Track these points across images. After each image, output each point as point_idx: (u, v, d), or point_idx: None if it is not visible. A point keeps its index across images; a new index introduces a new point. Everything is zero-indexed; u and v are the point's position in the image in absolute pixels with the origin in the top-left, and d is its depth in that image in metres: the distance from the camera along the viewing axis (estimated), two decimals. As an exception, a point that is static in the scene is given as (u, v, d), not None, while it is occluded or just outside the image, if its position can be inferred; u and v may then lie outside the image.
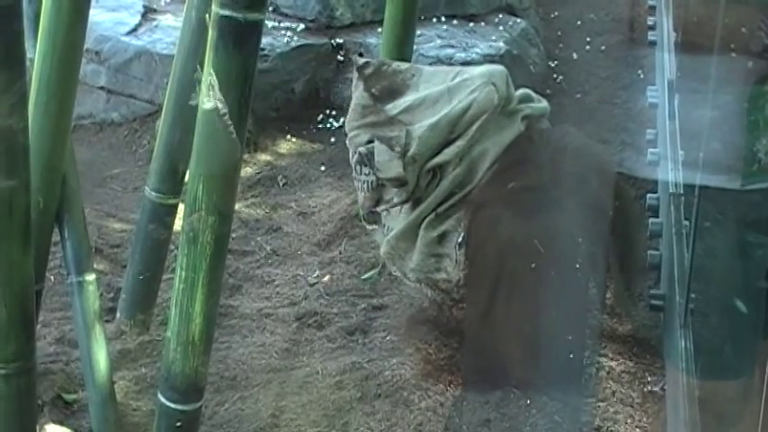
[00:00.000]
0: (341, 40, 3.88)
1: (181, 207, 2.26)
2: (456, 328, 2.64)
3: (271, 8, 3.89)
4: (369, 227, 2.86)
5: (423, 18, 3.83)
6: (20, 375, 1.87)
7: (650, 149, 2.99)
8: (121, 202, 3.36)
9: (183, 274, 1.89)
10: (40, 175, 2.10)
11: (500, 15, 4.11)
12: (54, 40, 2.08)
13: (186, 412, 1.98)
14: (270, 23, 3.83)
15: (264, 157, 3.61)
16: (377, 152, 2.63)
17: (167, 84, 2.50)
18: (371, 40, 3.84)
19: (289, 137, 3.72)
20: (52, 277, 2.75)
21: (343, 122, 2.98)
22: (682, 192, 2.44)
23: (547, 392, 2.44)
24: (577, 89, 3.98)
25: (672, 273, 2.35)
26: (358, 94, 2.72)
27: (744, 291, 1.79)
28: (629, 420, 2.41)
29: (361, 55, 2.88)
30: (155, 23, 3.89)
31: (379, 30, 3.53)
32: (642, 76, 3.93)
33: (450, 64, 3.68)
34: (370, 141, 2.67)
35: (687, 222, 2.33)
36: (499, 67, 2.75)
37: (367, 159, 2.65)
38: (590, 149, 2.76)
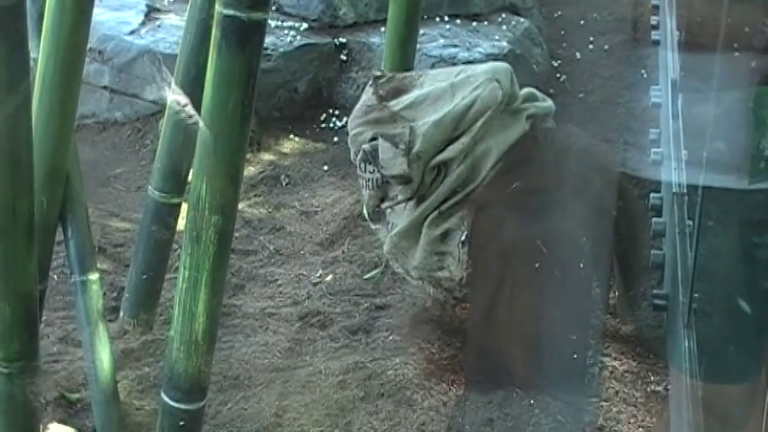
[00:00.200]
0: (344, 40, 3.88)
1: (184, 206, 2.26)
2: (459, 328, 2.64)
3: (274, 7, 3.89)
4: (372, 226, 2.86)
5: (426, 17, 3.82)
6: (23, 374, 1.87)
7: (653, 149, 2.99)
8: (125, 201, 3.36)
9: (187, 273, 1.89)
10: (44, 175, 2.10)
11: (503, 15, 4.11)
12: (57, 39, 2.08)
13: (189, 411, 1.99)
14: (273, 23, 3.83)
15: (267, 156, 3.61)
16: (381, 149, 2.63)
17: (170, 83, 2.50)
18: (375, 39, 3.84)
19: (292, 136, 3.72)
20: (55, 276, 2.75)
21: (347, 122, 2.98)
22: (685, 191, 2.44)
23: (550, 392, 2.44)
24: (580, 89, 3.98)
25: (675, 272, 2.34)
26: (365, 96, 2.74)
27: (749, 292, 1.78)
28: (632, 420, 2.41)
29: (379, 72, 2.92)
30: (158, 23, 3.89)
31: (383, 29, 3.53)
32: (645, 75, 3.93)
33: (454, 63, 3.68)
34: (374, 139, 2.67)
35: (690, 222, 2.33)
36: (503, 65, 2.75)
37: (371, 157, 2.65)
38: (594, 149, 2.76)
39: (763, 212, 1.81)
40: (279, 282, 2.95)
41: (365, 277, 2.94)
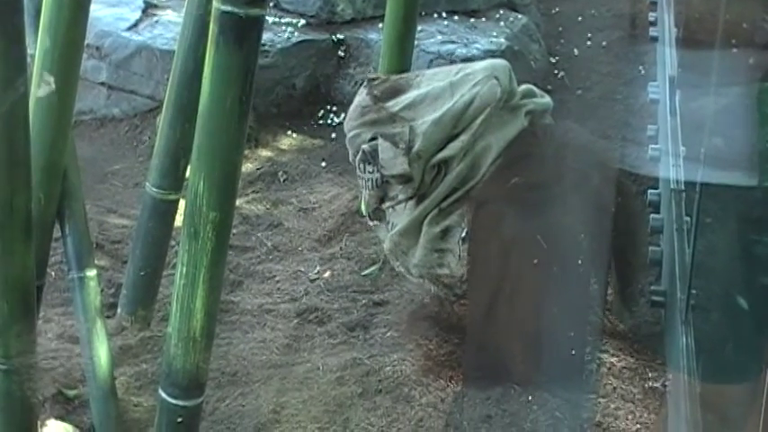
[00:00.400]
0: (342, 36, 3.87)
1: (182, 203, 2.25)
2: (457, 324, 2.64)
3: (271, 4, 3.89)
4: (370, 222, 2.86)
5: (424, 14, 3.82)
6: (21, 371, 1.87)
7: (651, 145, 2.99)
8: (122, 197, 3.36)
9: (184, 269, 1.89)
10: (42, 171, 2.10)
11: (501, 11, 4.11)
12: (55, 35, 2.07)
13: (187, 408, 1.98)
14: (270, 19, 3.83)
15: (265, 152, 3.61)
16: (381, 149, 2.62)
17: (168, 79, 2.50)
18: (372, 35, 3.84)
19: (289, 133, 3.72)
20: (53, 273, 2.75)
21: (344, 118, 2.98)
22: (683, 188, 2.44)
23: (548, 389, 2.44)
24: (578, 85, 3.98)
25: (673, 269, 2.35)
26: (360, 98, 2.73)
27: (747, 289, 1.78)
28: (629, 416, 2.41)
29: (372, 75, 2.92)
30: (155, 19, 3.88)
31: (380, 25, 3.53)
32: (643, 72, 3.93)
33: (452, 60, 3.68)
34: (373, 139, 2.67)
35: (688, 218, 2.33)
36: (502, 61, 2.75)
37: (371, 157, 2.64)
38: (592, 146, 2.76)
39: (763, 209, 1.81)
40: (277, 278, 2.95)
41: (363, 274, 2.94)
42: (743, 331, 1.77)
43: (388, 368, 2.52)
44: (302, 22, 3.90)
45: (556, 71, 4.06)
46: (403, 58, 3.03)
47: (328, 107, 3.81)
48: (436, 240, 2.62)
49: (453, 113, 2.60)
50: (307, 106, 3.81)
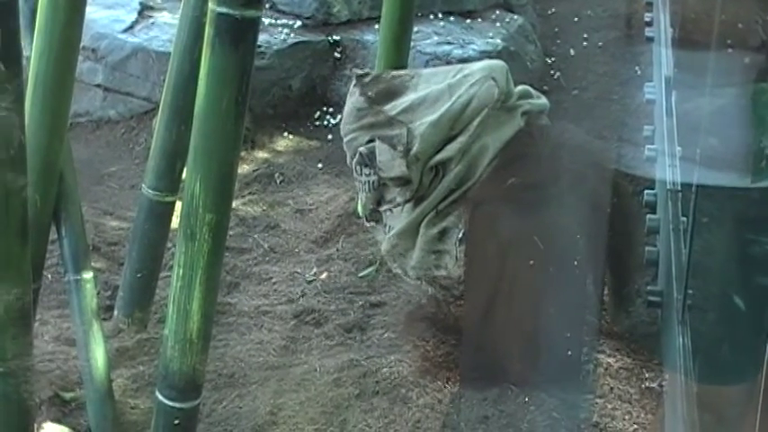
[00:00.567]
0: (338, 37, 3.87)
1: (178, 205, 2.25)
2: (454, 325, 2.64)
3: (267, 5, 3.89)
4: (367, 223, 2.86)
5: (420, 15, 3.82)
6: (17, 374, 1.87)
7: (648, 146, 2.99)
8: (119, 199, 3.36)
9: (181, 271, 1.89)
10: (38, 173, 2.10)
11: (497, 12, 4.11)
12: (50, 37, 2.07)
13: (184, 410, 1.98)
14: (267, 20, 3.83)
15: (262, 154, 3.61)
16: (378, 152, 2.62)
17: (164, 81, 2.49)
18: (369, 37, 3.84)
19: (286, 134, 3.72)
20: (50, 275, 2.75)
21: (341, 120, 2.98)
22: (679, 188, 2.44)
23: (545, 389, 2.44)
24: (575, 86, 3.98)
25: (669, 269, 2.35)
26: (353, 99, 2.72)
27: (744, 289, 1.79)
28: (626, 417, 2.41)
29: (359, 69, 2.89)
30: (151, 21, 3.88)
31: (377, 27, 3.53)
32: (639, 72, 3.93)
33: (448, 61, 3.68)
34: (370, 141, 2.67)
35: (685, 219, 2.33)
36: (499, 62, 2.75)
37: (368, 159, 2.64)
38: (588, 146, 2.76)
39: (759, 210, 1.81)
40: (273, 280, 2.95)
41: (360, 275, 2.94)
42: (739, 332, 1.77)
43: (385, 369, 2.52)
44: (298, 23, 3.90)
45: (552, 72, 4.06)
46: (399, 59, 3.03)
47: (324, 108, 3.81)
48: (433, 242, 2.62)
49: (451, 115, 2.60)
50: (303, 108, 3.81)
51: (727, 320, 1.90)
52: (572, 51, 4.19)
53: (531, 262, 2.45)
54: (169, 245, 2.62)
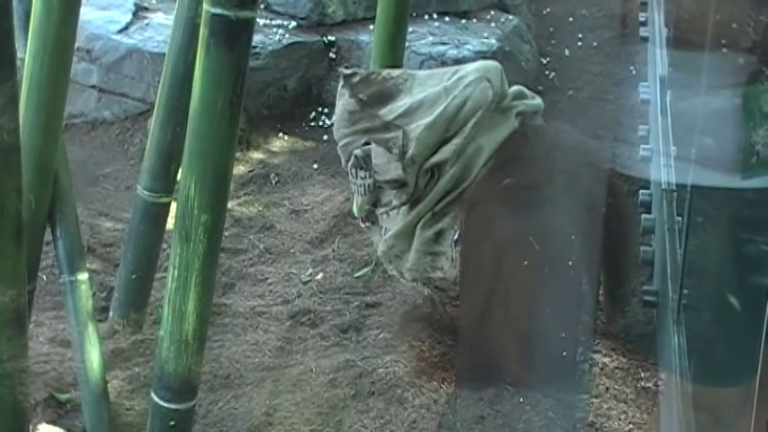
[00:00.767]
0: (333, 38, 3.87)
1: (173, 206, 2.25)
2: (450, 325, 2.64)
3: (262, 6, 3.89)
4: (362, 224, 2.85)
5: (415, 15, 3.82)
6: (12, 375, 1.86)
7: (642, 146, 3.00)
8: (114, 200, 3.35)
9: (176, 272, 1.88)
10: (32, 175, 2.09)
11: (492, 12, 4.11)
12: (45, 38, 2.07)
13: (180, 411, 1.98)
14: (261, 21, 3.83)
15: (257, 155, 3.60)
16: (374, 155, 2.61)
17: (159, 82, 2.49)
18: (363, 37, 3.84)
19: (281, 135, 3.72)
20: (44, 277, 2.75)
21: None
22: (674, 188, 2.44)
23: (541, 389, 2.44)
24: (570, 86, 3.98)
25: (664, 269, 2.35)
26: (343, 101, 2.69)
27: (740, 289, 1.79)
28: (622, 416, 2.41)
29: (346, 68, 2.87)
30: (146, 22, 3.88)
31: (372, 27, 3.53)
32: (634, 72, 3.93)
33: (443, 61, 3.68)
34: (366, 143, 2.66)
35: (680, 218, 2.33)
36: (494, 63, 2.74)
37: (363, 162, 2.63)
38: (583, 146, 2.76)
39: (754, 209, 1.81)
40: (269, 280, 2.95)
41: (356, 275, 2.94)
42: (734, 330, 1.77)
43: (381, 370, 2.52)
44: (293, 24, 3.90)
45: (547, 72, 4.06)
46: (394, 59, 3.03)
47: (320, 109, 3.81)
48: (430, 243, 2.62)
49: (446, 117, 2.59)
50: (298, 108, 3.81)
51: (723, 320, 1.91)
52: (567, 51, 4.20)
53: (527, 262, 2.45)
54: (164, 246, 2.62)
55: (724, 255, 1.99)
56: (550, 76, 4.04)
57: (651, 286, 2.61)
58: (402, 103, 2.65)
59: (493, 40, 3.87)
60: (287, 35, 3.83)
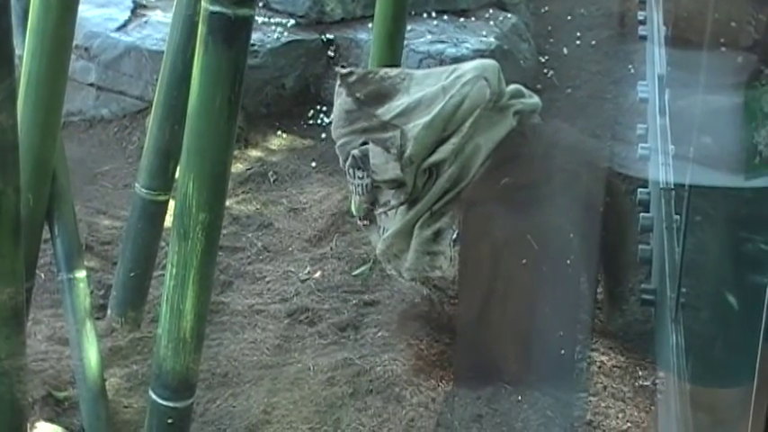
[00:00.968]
0: (331, 36, 3.87)
1: (171, 204, 2.25)
2: (447, 324, 2.64)
3: (261, 4, 3.89)
4: (360, 222, 2.85)
5: (413, 13, 3.82)
6: (10, 373, 1.86)
7: (641, 144, 3.00)
8: (112, 198, 3.35)
9: (174, 270, 1.88)
10: (30, 173, 2.09)
11: (490, 10, 4.11)
12: (43, 36, 2.07)
13: (178, 409, 1.98)
14: (260, 19, 3.82)
15: (255, 153, 3.60)
16: (372, 154, 2.61)
17: (157, 80, 2.49)
18: (362, 35, 3.84)
19: (279, 133, 3.72)
20: (43, 274, 2.74)
21: (334, 118, 2.97)
22: (672, 187, 2.44)
23: (539, 388, 2.44)
24: (568, 84, 3.98)
25: (663, 267, 2.35)
26: (341, 100, 2.69)
27: (738, 287, 1.79)
28: (620, 415, 2.42)
29: (343, 67, 2.86)
30: (144, 19, 3.88)
31: (370, 25, 3.53)
32: (632, 70, 3.93)
33: (441, 59, 3.68)
34: (363, 143, 2.65)
35: (678, 217, 2.33)
36: (491, 62, 2.74)
37: (361, 162, 2.63)
38: (582, 145, 2.76)
39: (752, 208, 1.81)
40: (267, 279, 2.95)
41: (354, 274, 2.94)
42: (732, 330, 1.77)
43: (378, 368, 2.52)
44: (292, 22, 3.90)
45: (545, 70, 4.06)
46: (392, 57, 3.03)
47: (318, 107, 3.81)
48: (428, 243, 2.62)
49: (443, 116, 2.59)
50: (296, 106, 3.81)
51: (721, 319, 1.91)
52: (565, 50, 4.20)
53: (525, 261, 2.45)
54: (162, 244, 2.62)
55: (722, 254, 1.99)
56: (549, 75, 4.04)
57: (649, 285, 2.61)
58: (399, 102, 2.64)
59: (491, 39, 3.87)
60: (285, 33, 3.83)
